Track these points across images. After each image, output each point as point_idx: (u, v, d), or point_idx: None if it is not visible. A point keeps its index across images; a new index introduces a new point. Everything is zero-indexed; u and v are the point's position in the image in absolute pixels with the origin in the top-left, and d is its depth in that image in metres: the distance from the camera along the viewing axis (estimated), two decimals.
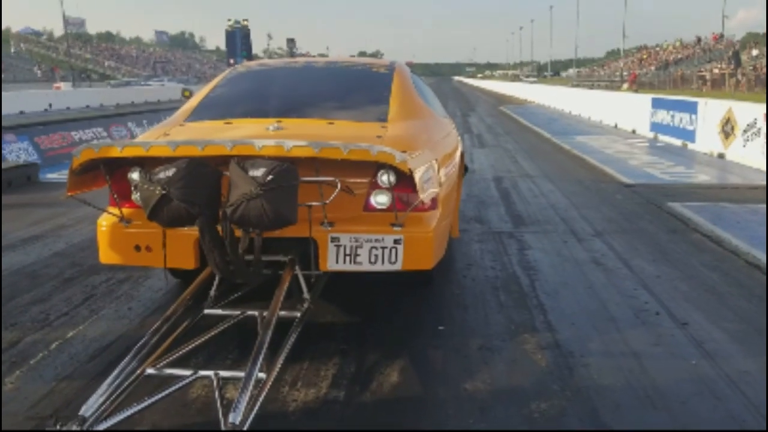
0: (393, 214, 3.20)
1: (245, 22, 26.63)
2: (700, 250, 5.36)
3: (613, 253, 5.28)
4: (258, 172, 2.74)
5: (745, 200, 7.18)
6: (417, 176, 2.97)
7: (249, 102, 4.31)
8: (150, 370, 2.75)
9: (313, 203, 3.09)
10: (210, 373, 2.69)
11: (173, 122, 4.04)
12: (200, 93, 4.48)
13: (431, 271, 3.67)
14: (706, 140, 11.72)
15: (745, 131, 10.17)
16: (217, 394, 2.60)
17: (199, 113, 4.11)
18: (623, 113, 17.50)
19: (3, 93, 21.61)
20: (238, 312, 3.35)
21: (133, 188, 3.28)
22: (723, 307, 4.07)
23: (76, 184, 3.21)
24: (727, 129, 10.81)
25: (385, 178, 3.13)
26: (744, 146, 10.19)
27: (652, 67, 58.67)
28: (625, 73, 57.92)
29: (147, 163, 3.10)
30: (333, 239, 3.22)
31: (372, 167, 3.18)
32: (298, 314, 3.29)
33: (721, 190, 8.12)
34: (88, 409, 2.40)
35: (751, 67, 36.65)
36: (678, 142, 13.04)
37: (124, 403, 2.53)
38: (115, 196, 3.33)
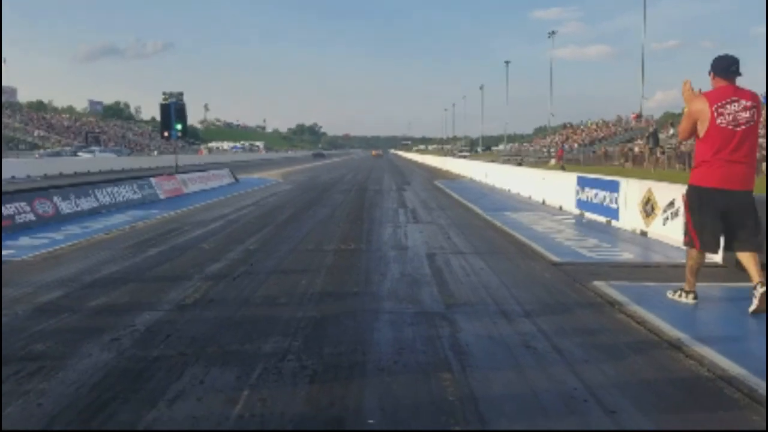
0: None
1: (180, 96, 26.65)
2: (625, 332, 5.47)
3: (543, 335, 5.32)
4: None
5: (666, 279, 7.42)
6: None
7: None
8: None
9: None
10: None
11: None
12: None
13: None
14: (629, 218, 12.21)
15: (664, 211, 10.64)
16: None
17: None
18: (550, 190, 18.11)
19: None
20: None
21: None
22: (649, 393, 4.12)
23: None
24: (648, 209, 11.29)
25: None
26: (664, 225, 10.64)
27: (576, 144, 61.43)
28: (552, 149, 60.35)
29: None
30: None
31: None
32: None
33: (644, 269, 8.40)
34: None
35: (669, 146, 38.82)
36: (603, 219, 13.53)
37: None
38: None
